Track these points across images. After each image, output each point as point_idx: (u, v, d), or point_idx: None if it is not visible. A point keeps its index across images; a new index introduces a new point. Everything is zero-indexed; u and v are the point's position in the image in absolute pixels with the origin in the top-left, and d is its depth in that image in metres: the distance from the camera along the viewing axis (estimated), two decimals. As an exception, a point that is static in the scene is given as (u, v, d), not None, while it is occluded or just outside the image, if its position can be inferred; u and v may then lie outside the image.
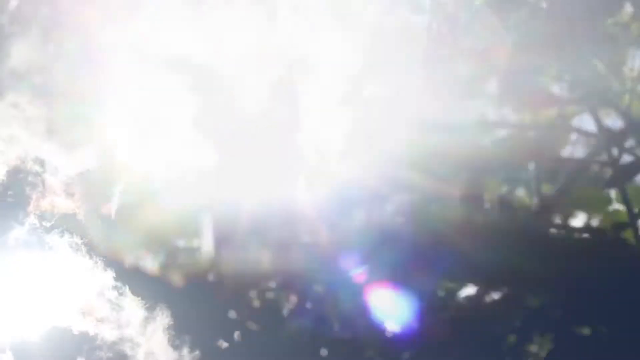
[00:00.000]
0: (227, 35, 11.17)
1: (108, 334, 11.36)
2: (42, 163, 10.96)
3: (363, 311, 11.52)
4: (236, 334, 11.83)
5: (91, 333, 11.33)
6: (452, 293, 11.74)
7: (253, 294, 11.85)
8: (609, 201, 11.76)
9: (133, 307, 11.41)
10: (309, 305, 11.70)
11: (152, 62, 11.09)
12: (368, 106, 11.76)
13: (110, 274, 11.31)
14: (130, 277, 11.44)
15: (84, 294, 11.34)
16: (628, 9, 11.38)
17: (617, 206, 11.70)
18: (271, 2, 11.19)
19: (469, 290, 11.83)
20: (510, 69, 11.60)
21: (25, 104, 10.79)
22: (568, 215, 11.73)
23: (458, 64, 11.64)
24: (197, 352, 11.56)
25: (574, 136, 11.77)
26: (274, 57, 11.33)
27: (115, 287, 11.36)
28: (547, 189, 11.74)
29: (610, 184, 11.69)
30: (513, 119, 11.72)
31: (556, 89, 11.63)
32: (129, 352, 11.37)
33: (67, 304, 11.31)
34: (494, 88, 11.78)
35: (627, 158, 11.66)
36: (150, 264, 11.93)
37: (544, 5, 11.49)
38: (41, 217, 11.08)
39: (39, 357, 11.31)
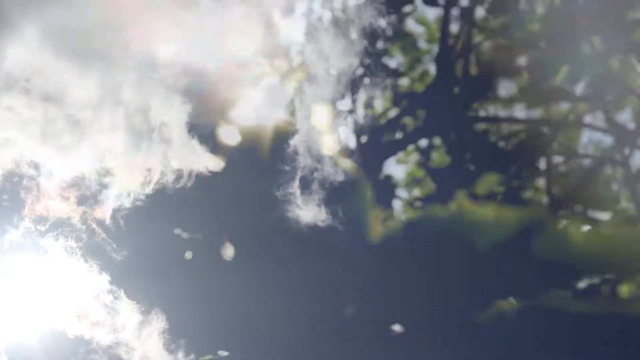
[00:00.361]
0: (224, 37, 11.13)
1: (103, 337, 11.36)
2: (37, 167, 10.95)
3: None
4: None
5: (86, 337, 11.33)
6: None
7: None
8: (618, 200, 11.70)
9: (128, 310, 11.40)
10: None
11: (148, 65, 11.05)
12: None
13: (105, 278, 11.31)
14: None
15: (79, 297, 11.34)
16: None
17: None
18: (267, 7, 11.15)
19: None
20: (523, 65, 11.58)
21: (20, 107, 10.77)
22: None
23: (471, 61, 11.62)
24: (192, 356, 11.55)
25: (585, 133, 11.73)
26: (270, 61, 11.30)
27: (110, 291, 11.35)
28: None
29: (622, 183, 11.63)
30: (524, 115, 11.71)
31: (569, 85, 11.59)
32: (124, 356, 11.36)
33: (63, 307, 11.31)
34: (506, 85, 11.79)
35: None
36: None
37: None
38: (36, 221, 11.08)
39: (33, 360, 11.34)
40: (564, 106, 11.74)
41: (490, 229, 11.56)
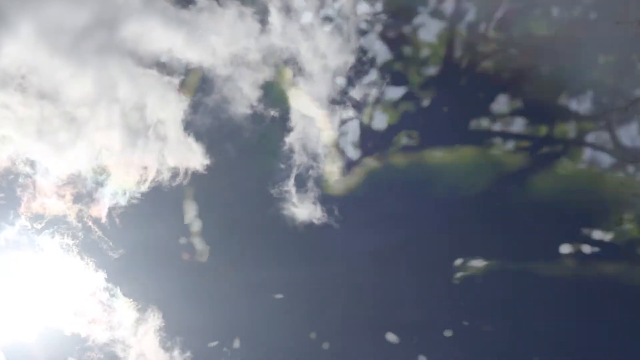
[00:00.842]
0: (219, 37, 11.12)
1: (100, 335, 11.37)
2: (33, 164, 10.96)
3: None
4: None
5: (83, 334, 11.34)
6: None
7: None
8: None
9: (125, 308, 11.42)
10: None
11: (145, 63, 11.05)
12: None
13: (101, 275, 11.33)
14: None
15: (75, 295, 11.35)
16: None
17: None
18: (262, 5, 11.14)
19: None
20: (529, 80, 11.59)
21: (16, 104, 10.79)
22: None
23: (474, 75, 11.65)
24: (188, 354, 11.56)
25: (589, 152, 11.68)
26: (265, 59, 11.29)
27: (106, 289, 11.37)
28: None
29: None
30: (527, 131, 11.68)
31: (574, 103, 11.58)
32: (120, 353, 11.38)
33: (59, 305, 11.33)
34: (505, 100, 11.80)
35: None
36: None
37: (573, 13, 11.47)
38: (32, 218, 11.09)
39: (30, 357, 11.35)
40: (569, 123, 11.71)
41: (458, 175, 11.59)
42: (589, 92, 11.62)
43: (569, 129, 11.75)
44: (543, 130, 11.78)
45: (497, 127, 11.75)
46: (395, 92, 11.84)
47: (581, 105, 11.65)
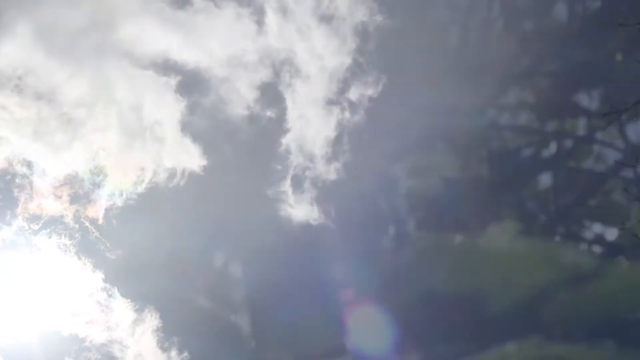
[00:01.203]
0: (216, 38, 11.13)
1: (97, 335, 11.38)
2: (30, 165, 10.97)
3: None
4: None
5: (80, 335, 11.36)
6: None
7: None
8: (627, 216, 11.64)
9: (122, 309, 11.43)
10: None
11: (141, 64, 11.06)
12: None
13: (99, 276, 11.34)
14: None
15: (73, 295, 11.37)
16: None
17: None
18: (259, 6, 11.14)
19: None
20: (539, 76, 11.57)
21: (13, 105, 10.80)
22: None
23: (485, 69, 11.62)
24: (185, 354, 11.58)
25: (597, 148, 11.65)
26: (262, 60, 11.29)
27: (104, 289, 11.38)
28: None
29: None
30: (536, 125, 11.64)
31: (585, 99, 11.57)
32: (117, 354, 11.39)
33: (56, 305, 11.35)
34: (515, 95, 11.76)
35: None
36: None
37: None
38: (29, 219, 11.10)
39: (27, 358, 11.36)
40: (579, 120, 11.68)
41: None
42: (600, 89, 11.58)
43: (579, 126, 11.72)
44: (552, 125, 11.75)
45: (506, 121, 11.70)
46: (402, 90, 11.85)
47: (592, 102, 11.62)
